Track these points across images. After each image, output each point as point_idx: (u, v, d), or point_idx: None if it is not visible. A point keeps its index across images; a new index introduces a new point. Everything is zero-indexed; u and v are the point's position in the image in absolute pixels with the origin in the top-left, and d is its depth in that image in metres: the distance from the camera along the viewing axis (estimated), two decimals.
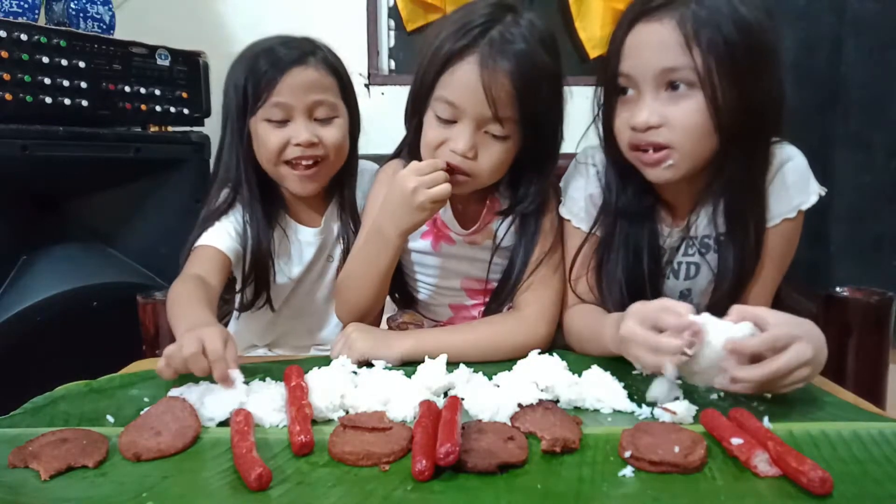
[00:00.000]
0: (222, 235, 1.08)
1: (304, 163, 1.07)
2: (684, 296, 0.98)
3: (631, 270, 0.95)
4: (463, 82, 0.89)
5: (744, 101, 0.82)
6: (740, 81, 0.82)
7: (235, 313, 1.28)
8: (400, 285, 1.20)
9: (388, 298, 1.22)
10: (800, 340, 0.68)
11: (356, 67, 2.37)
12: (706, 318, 0.72)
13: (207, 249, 1.06)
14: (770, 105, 0.86)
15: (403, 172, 0.92)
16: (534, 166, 0.99)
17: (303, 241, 1.18)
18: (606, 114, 0.92)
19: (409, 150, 1.05)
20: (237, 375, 0.75)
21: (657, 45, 0.83)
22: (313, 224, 1.18)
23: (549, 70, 0.93)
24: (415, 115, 0.98)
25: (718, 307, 0.92)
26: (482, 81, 0.87)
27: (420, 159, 1.03)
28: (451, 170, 0.92)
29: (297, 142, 1.05)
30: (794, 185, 0.91)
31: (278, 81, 1.04)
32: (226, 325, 1.32)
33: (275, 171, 1.10)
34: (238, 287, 1.15)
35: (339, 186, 1.18)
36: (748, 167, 0.88)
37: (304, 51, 1.07)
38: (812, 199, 0.91)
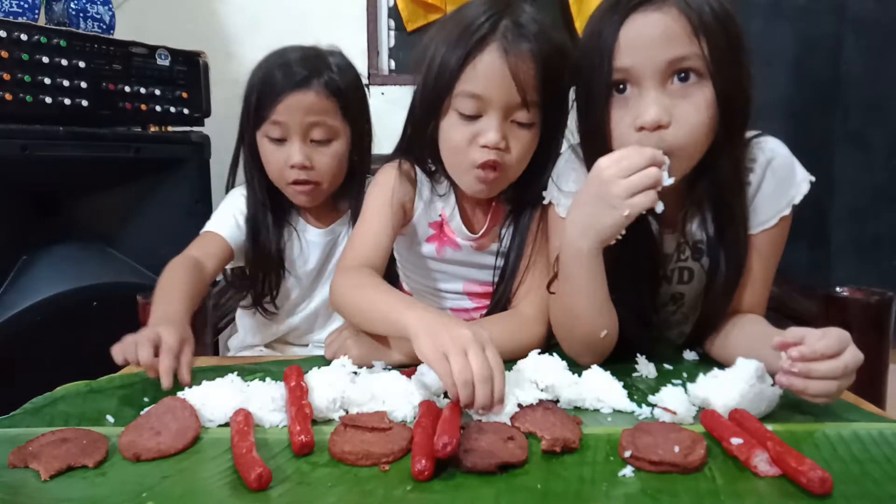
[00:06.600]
0: (229, 223, 1.16)
1: (300, 188, 1.12)
2: (676, 299, 0.97)
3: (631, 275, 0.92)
4: (488, 72, 0.87)
5: (740, 91, 0.81)
6: (737, 68, 0.81)
7: (239, 311, 1.28)
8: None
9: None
10: (851, 344, 0.67)
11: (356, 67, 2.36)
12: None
13: (211, 235, 1.15)
14: (749, 96, 0.84)
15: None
16: (542, 158, 0.96)
17: (310, 241, 1.20)
18: (597, 117, 0.84)
19: (408, 150, 1.04)
20: (185, 376, 0.79)
21: (661, 35, 0.78)
22: (322, 225, 1.21)
23: (566, 50, 0.92)
24: (429, 120, 0.95)
25: (713, 310, 0.92)
26: (509, 66, 0.86)
27: (423, 164, 1.02)
28: (492, 166, 0.90)
29: (291, 164, 1.09)
30: (784, 181, 0.89)
31: (279, 102, 1.08)
32: (225, 323, 1.33)
33: (280, 186, 1.15)
34: (249, 283, 1.19)
35: (347, 195, 1.19)
36: (735, 164, 0.86)
37: (310, 72, 1.09)
38: (803, 189, 0.88)
